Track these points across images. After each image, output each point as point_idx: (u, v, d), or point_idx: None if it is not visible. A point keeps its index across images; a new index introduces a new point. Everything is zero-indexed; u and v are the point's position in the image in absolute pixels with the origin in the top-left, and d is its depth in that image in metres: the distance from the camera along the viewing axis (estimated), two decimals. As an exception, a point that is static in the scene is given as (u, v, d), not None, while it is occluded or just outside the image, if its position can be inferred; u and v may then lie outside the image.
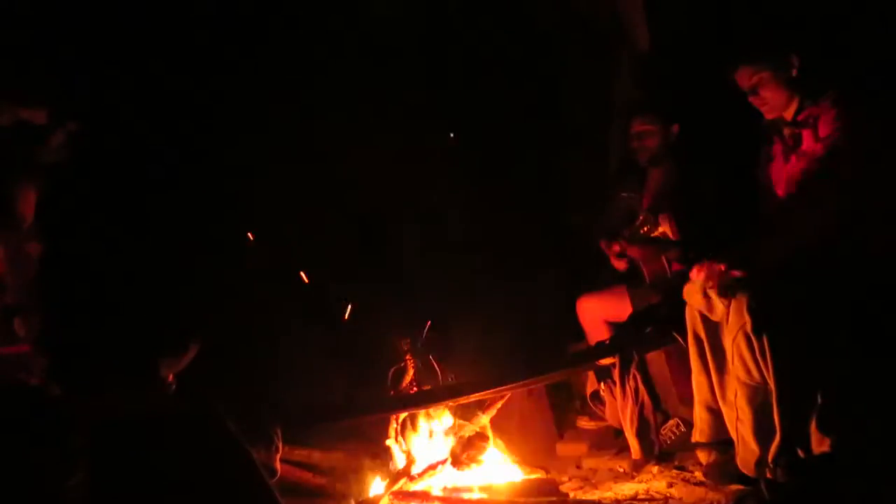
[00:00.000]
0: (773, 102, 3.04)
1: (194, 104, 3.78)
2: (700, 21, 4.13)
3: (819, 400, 2.69)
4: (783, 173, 3.06)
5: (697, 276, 2.89)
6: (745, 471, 2.86)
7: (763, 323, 2.72)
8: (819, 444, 2.69)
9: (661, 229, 3.50)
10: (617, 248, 3.71)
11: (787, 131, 3.05)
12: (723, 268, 2.82)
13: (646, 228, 3.54)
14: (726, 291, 2.83)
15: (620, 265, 3.76)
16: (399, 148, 4.15)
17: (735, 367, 2.83)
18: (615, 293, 3.72)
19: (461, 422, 3.34)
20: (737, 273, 2.81)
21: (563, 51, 4.59)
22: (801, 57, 3.00)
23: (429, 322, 3.47)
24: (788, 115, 3.05)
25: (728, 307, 2.83)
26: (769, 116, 3.11)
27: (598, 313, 3.73)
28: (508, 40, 4.51)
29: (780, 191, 3.08)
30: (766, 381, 2.75)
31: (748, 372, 2.80)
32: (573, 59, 4.57)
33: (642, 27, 4.43)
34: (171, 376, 2.26)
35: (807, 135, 2.98)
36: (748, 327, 2.74)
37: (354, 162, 4.01)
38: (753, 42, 3.09)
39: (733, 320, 2.81)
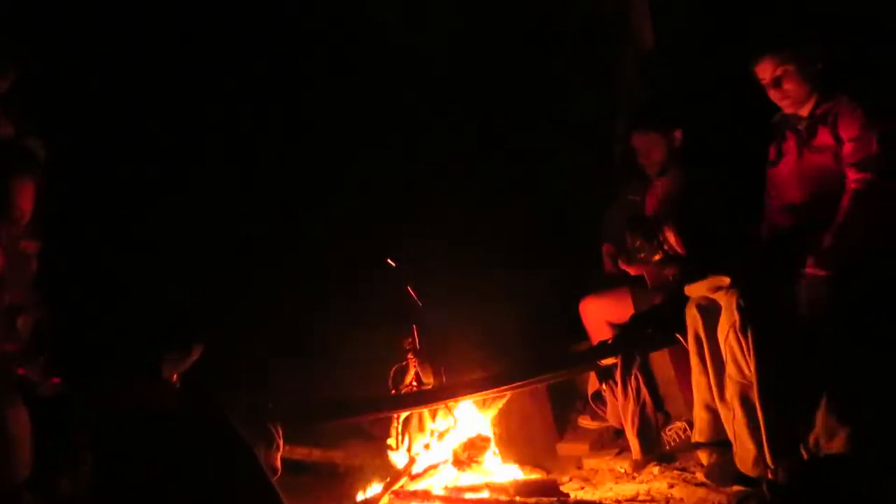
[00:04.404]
0: (795, 96, 3.03)
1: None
2: (705, 19, 4.12)
3: (806, 398, 2.69)
4: (796, 169, 3.05)
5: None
6: (744, 470, 2.86)
7: (748, 319, 2.73)
8: (821, 446, 2.69)
9: (657, 256, 3.45)
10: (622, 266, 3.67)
11: (802, 125, 3.03)
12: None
13: (642, 255, 3.50)
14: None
15: (632, 271, 3.73)
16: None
17: (728, 366, 2.85)
18: (617, 294, 3.69)
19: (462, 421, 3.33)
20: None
21: (567, 46, 4.57)
22: (825, 52, 2.99)
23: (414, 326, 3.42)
24: (805, 111, 3.04)
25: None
26: (788, 111, 3.09)
27: (601, 314, 3.71)
28: (513, 35, 4.50)
29: (792, 187, 3.06)
30: (754, 377, 2.77)
31: (739, 369, 2.82)
32: (577, 55, 4.55)
33: (647, 24, 4.42)
34: (175, 375, 2.26)
35: (822, 130, 2.96)
36: (737, 325, 2.76)
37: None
38: (779, 34, 3.07)
39: (724, 318, 2.84)
